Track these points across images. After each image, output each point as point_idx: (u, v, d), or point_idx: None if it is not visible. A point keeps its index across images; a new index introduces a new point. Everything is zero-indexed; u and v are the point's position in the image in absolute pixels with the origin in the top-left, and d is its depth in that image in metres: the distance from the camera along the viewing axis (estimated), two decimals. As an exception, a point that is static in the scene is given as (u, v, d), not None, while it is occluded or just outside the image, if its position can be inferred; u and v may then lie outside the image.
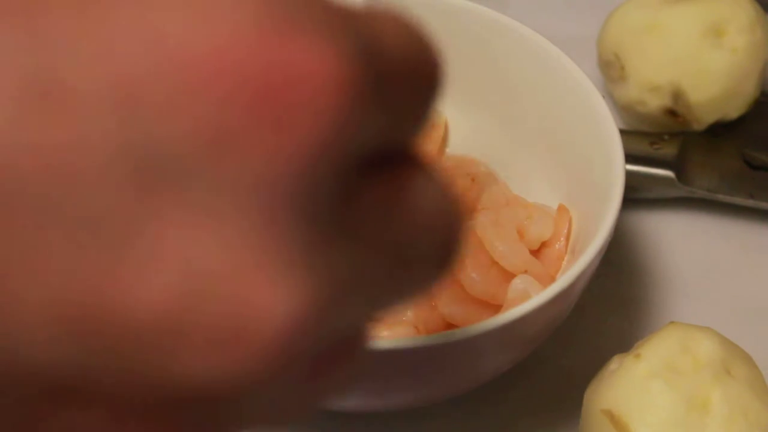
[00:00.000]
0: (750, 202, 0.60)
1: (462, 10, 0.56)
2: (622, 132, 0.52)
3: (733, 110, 0.61)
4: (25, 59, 0.18)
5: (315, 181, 0.19)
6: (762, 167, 0.61)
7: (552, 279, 0.52)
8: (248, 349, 0.19)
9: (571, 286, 0.45)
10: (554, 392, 0.53)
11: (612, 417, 0.46)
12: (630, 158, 0.56)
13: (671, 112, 0.61)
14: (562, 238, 0.54)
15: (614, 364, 0.48)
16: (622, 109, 0.63)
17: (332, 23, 0.19)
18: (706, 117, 0.61)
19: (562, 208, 0.54)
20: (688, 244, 0.60)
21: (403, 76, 0.21)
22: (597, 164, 0.51)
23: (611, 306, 0.57)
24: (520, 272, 0.52)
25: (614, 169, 0.49)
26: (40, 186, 0.18)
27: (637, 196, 0.60)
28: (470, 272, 0.51)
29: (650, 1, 0.61)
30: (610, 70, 0.62)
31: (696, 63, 0.59)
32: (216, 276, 0.19)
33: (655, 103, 0.61)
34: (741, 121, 0.62)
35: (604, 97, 0.52)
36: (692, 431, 0.45)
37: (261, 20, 0.19)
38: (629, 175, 0.50)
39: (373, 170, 0.21)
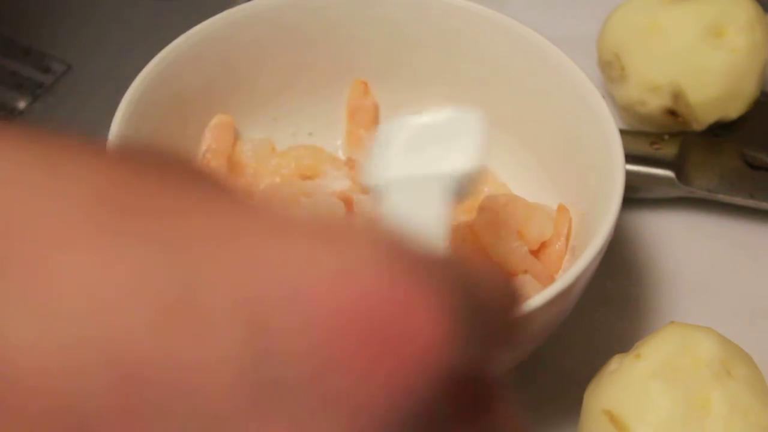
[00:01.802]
0: (750, 202, 0.60)
1: (461, 10, 0.56)
2: (622, 132, 0.52)
3: (733, 110, 0.61)
4: (166, 278, 0.20)
5: (406, 412, 0.21)
6: (762, 167, 0.61)
7: (552, 279, 0.52)
8: None
9: (571, 286, 0.45)
10: (554, 392, 0.53)
11: (612, 417, 0.46)
12: (630, 158, 0.56)
13: (671, 112, 0.61)
14: (562, 238, 0.53)
15: (614, 364, 0.48)
16: (622, 109, 0.63)
17: (445, 275, 0.21)
18: (706, 117, 0.61)
19: (562, 208, 0.54)
20: (688, 244, 0.60)
21: (493, 319, 0.23)
22: (597, 164, 0.51)
23: (611, 306, 0.57)
24: (520, 272, 0.52)
25: (614, 169, 0.49)
26: (170, 400, 0.19)
27: (637, 196, 0.60)
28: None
29: (650, 1, 0.61)
30: (610, 70, 0.62)
31: (696, 63, 0.59)
32: None
33: (655, 103, 0.61)
34: (741, 121, 0.62)
35: (604, 97, 0.52)
36: (692, 431, 0.45)
37: (382, 267, 0.21)
38: (629, 175, 0.50)
39: (460, 385, 0.23)
